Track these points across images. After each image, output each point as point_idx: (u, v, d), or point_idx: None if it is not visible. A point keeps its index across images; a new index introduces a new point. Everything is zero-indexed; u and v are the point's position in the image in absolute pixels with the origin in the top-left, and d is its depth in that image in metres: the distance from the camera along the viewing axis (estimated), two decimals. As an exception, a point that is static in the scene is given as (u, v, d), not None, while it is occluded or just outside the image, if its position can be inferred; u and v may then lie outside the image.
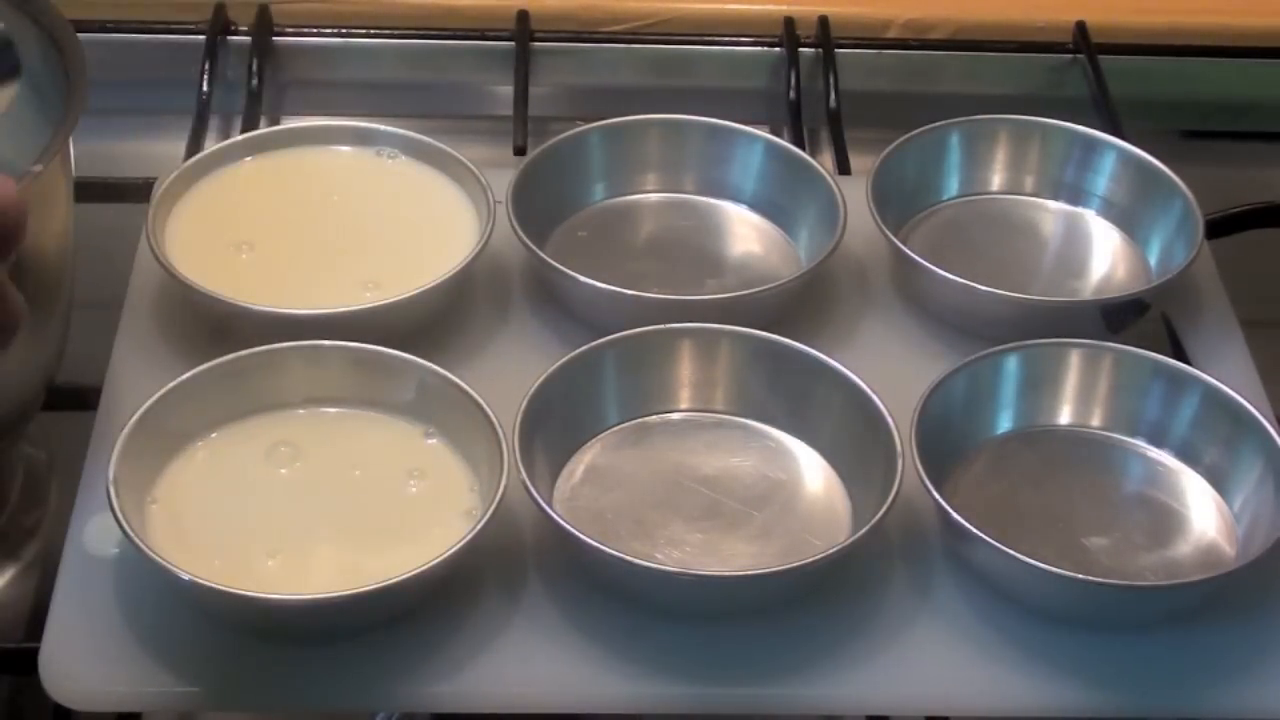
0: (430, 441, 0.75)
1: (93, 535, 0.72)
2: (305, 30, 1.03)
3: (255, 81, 0.99)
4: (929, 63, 1.05)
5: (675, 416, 0.79)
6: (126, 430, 0.72)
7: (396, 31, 1.04)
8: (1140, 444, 0.79)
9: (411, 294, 0.79)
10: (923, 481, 0.72)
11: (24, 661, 0.70)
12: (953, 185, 0.91)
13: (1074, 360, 0.79)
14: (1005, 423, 0.79)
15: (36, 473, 0.83)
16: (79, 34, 0.74)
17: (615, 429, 0.78)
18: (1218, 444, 0.77)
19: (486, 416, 0.73)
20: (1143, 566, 0.74)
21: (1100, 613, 0.72)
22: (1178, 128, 1.07)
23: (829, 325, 0.84)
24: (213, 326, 0.80)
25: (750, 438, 0.78)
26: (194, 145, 0.95)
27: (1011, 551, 0.70)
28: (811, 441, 0.77)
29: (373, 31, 1.03)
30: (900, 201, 0.88)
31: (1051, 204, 0.91)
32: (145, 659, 0.69)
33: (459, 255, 0.81)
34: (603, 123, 0.89)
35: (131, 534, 0.68)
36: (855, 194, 0.85)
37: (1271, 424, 0.75)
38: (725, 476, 0.76)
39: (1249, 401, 0.76)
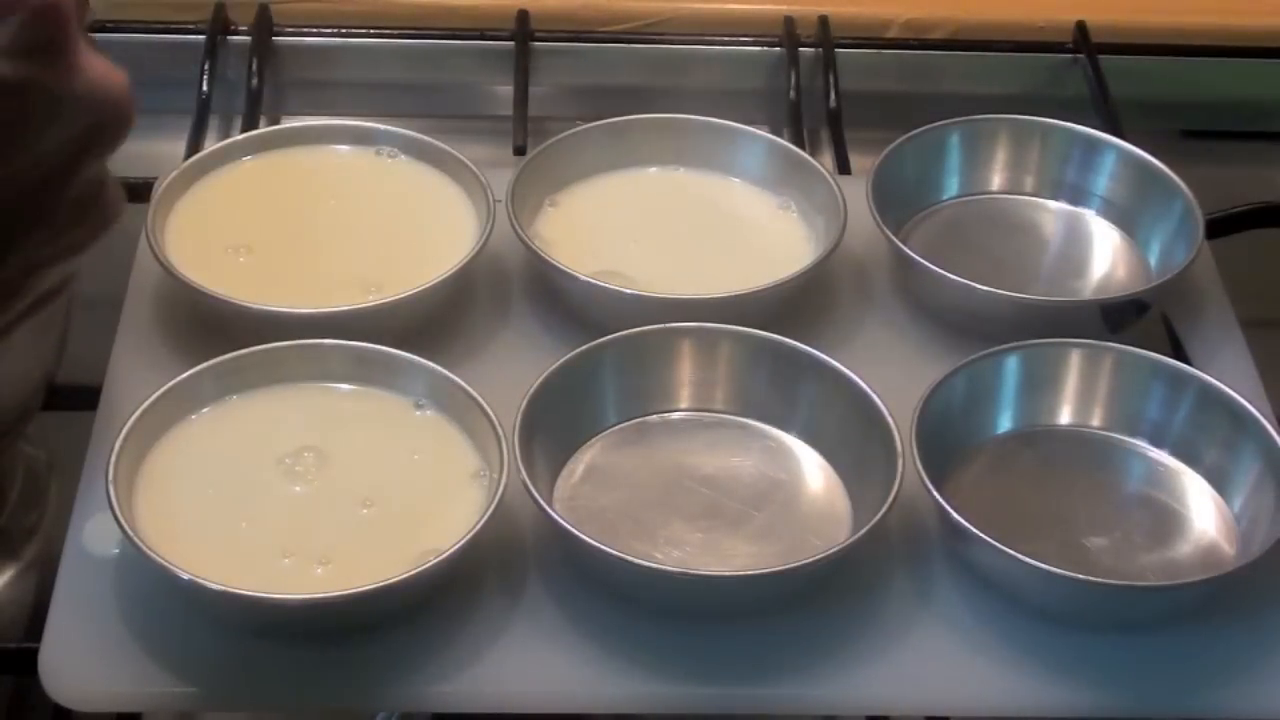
0: (425, 413, 0.76)
1: (93, 535, 0.72)
2: (305, 30, 1.03)
3: (255, 81, 0.99)
4: (929, 63, 1.05)
5: (675, 416, 0.79)
6: (126, 430, 0.72)
7: (396, 31, 1.03)
8: (1140, 444, 0.79)
9: (411, 294, 0.79)
10: (923, 481, 0.72)
11: (24, 661, 0.70)
12: (953, 185, 0.91)
13: (1074, 360, 0.79)
14: (1005, 423, 0.79)
15: (36, 473, 0.83)
16: (79, 34, 0.74)
17: (615, 429, 0.78)
18: (1218, 444, 0.77)
19: (486, 416, 0.73)
20: (1143, 566, 0.74)
21: (1100, 613, 0.72)
22: (1178, 128, 1.07)
23: (829, 325, 0.84)
24: (212, 326, 0.80)
25: (750, 438, 0.78)
26: (194, 145, 0.95)
27: (1011, 551, 0.70)
28: (811, 441, 0.77)
29: (373, 31, 1.03)
30: (900, 201, 0.88)
31: (1051, 204, 0.91)
32: (145, 659, 0.69)
33: (459, 255, 0.81)
34: (602, 122, 0.89)
35: (131, 534, 0.68)
36: (855, 194, 0.85)
37: (1271, 424, 0.75)
38: (725, 476, 0.76)
39: (1249, 401, 0.76)
